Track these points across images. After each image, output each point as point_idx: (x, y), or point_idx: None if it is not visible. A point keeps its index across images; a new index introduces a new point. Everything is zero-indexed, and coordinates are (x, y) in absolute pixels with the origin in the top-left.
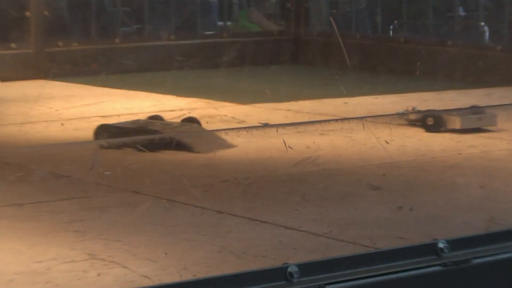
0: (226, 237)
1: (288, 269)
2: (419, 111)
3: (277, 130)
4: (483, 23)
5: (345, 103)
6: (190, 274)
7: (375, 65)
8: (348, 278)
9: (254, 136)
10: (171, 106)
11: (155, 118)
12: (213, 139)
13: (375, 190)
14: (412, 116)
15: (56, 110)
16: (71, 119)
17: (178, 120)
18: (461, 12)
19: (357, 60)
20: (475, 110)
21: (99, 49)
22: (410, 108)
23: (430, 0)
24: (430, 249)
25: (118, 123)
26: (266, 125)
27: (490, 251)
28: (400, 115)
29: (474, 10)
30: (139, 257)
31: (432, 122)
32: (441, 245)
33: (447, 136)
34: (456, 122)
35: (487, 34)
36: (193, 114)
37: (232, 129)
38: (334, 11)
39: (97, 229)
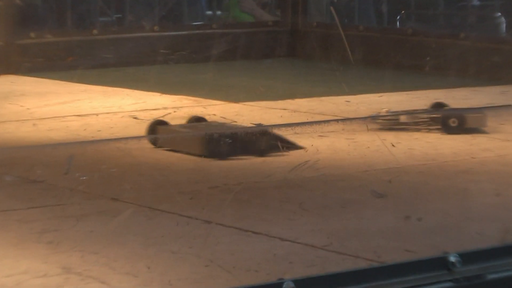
0: (214, 250)
1: (283, 285)
2: (394, 113)
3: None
4: (499, 14)
5: (347, 101)
6: None
7: (380, 59)
8: None
9: None
10: (154, 105)
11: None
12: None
13: (380, 197)
14: (403, 119)
15: (28, 109)
16: (44, 118)
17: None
18: (475, 2)
19: (360, 54)
20: (439, 108)
21: (75, 41)
22: (384, 111)
23: None
24: (440, 263)
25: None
26: (259, 126)
27: (506, 265)
28: (374, 118)
29: None
30: (119, 271)
31: (455, 123)
32: (452, 258)
33: (458, 138)
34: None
35: (503, 25)
36: (179, 113)
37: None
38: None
39: (72, 240)
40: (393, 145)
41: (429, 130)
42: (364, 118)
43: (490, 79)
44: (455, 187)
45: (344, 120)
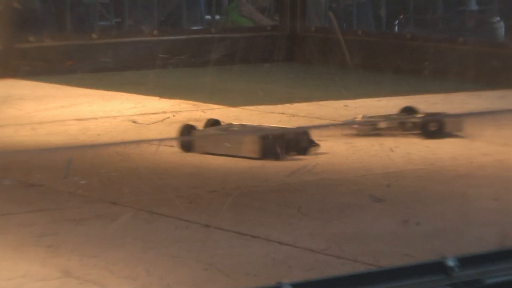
0: (213, 253)
1: None
2: (369, 118)
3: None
4: (497, 18)
5: (346, 105)
6: None
7: (378, 64)
8: None
9: None
10: (153, 109)
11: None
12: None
13: (379, 202)
14: (383, 124)
15: (27, 113)
16: (43, 122)
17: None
18: (474, 6)
19: (359, 58)
20: (409, 113)
21: (74, 45)
22: (359, 117)
23: None
24: (438, 267)
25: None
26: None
27: (505, 270)
28: (349, 124)
29: (488, 3)
30: (118, 274)
31: (435, 127)
32: (450, 263)
33: (457, 143)
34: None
35: (502, 30)
36: (178, 118)
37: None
38: (334, 4)
39: (71, 244)
40: (391, 150)
41: (405, 135)
42: (340, 124)
43: (489, 83)
44: (454, 192)
45: (343, 124)
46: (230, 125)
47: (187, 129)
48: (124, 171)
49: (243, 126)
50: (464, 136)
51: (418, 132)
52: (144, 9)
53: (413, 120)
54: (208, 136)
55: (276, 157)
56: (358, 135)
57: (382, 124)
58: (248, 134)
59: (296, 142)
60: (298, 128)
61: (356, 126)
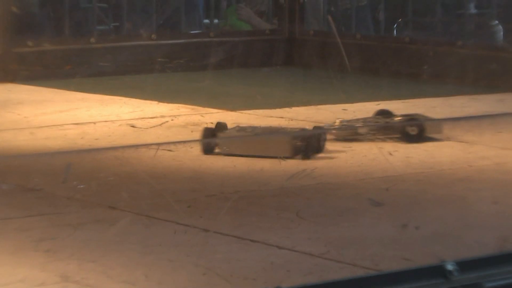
0: (212, 258)
1: None
2: (348, 123)
3: None
4: (496, 22)
5: (344, 109)
6: None
7: (377, 67)
8: None
9: None
10: (152, 113)
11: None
12: None
13: (378, 206)
14: (363, 129)
15: (25, 117)
16: (41, 127)
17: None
18: (473, 10)
19: (357, 62)
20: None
21: (72, 49)
22: (338, 121)
23: None
24: (437, 271)
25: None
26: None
27: (504, 274)
28: (329, 129)
29: (487, 7)
30: (116, 279)
31: (415, 131)
32: (449, 267)
33: (456, 146)
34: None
35: (501, 33)
36: (177, 122)
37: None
38: (332, 8)
39: (69, 249)
40: (390, 154)
41: (383, 140)
42: (319, 130)
43: (487, 87)
44: (453, 195)
45: (342, 128)
46: (241, 127)
47: (210, 132)
48: (123, 176)
49: (254, 128)
50: (443, 139)
51: (397, 136)
52: (142, 13)
53: (392, 123)
54: (231, 138)
55: (306, 156)
56: (336, 140)
57: (362, 129)
58: (278, 134)
59: (317, 141)
60: (316, 128)
61: (334, 131)
